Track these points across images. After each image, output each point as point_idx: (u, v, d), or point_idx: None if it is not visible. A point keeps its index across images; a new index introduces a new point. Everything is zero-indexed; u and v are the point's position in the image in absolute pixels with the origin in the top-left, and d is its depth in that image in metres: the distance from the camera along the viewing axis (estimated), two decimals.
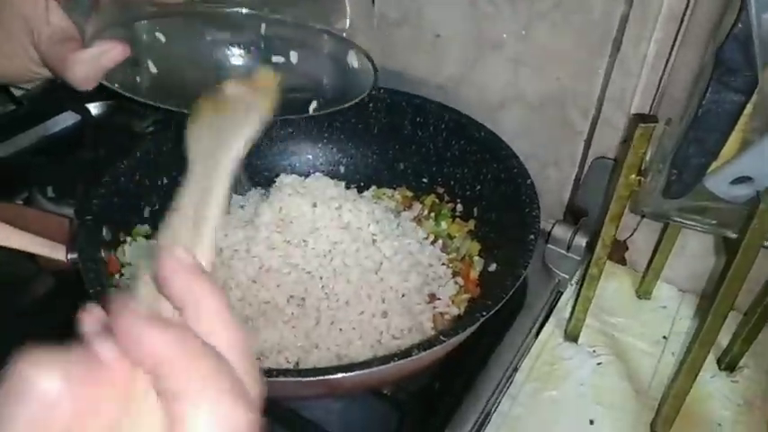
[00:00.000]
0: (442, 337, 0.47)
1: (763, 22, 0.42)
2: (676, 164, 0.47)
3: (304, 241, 0.62)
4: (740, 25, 0.43)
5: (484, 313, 0.49)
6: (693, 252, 0.68)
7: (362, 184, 0.75)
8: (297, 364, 0.55)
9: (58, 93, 0.95)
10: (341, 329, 0.57)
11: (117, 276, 0.61)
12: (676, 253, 0.66)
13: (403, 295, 0.61)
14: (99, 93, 0.97)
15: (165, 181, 0.67)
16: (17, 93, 0.92)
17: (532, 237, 0.55)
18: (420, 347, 0.46)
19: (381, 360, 0.45)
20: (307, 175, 0.71)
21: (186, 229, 0.31)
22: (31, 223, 0.54)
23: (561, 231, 0.71)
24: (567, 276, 0.69)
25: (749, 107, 0.45)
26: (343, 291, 0.60)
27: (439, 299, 0.63)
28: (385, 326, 0.58)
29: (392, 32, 0.73)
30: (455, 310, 0.62)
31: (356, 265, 0.62)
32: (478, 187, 0.69)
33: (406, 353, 0.46)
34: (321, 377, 0.44)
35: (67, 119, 0.89)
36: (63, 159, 0.82)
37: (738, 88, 0.44)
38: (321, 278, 0.61)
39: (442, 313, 0.62)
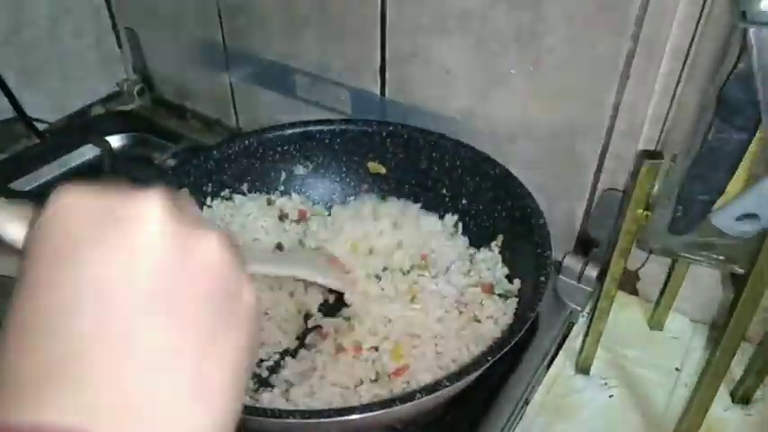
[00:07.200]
0: (445, 382, 0.47)
1: (765, 61, 0.42)
2: (681, 200, 0.48)
3: None
4: (742, 65, 0.44)
5: (489, 358, 0.49)
6: (705, 283, 0.67)
7: None
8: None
9: (80, 126, 0.98)
10: None
11: None
12: (688, 284, 0.66)
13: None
14: (119, 125, 1.00)
15: None
16: (41, 127, 0.95)
17: (543, 279, 0.55)
18: (424, 392, 0.46)
19: (381, 404, 0.45)
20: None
21: None
22: None
23: (572, 262, 0.71)
24: (578, 308, 0.69)
25: (754, 145, 0.46)
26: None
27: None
28: None
29: (404, 67, 0.74)
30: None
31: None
32: (492, 223, 0.69)
33: (409, 396, 0.46)
34: (325, 419, 0.45)
35: (88, 152, 0.92)
36: None
37: (742, 126, 0.44)
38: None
39: None
